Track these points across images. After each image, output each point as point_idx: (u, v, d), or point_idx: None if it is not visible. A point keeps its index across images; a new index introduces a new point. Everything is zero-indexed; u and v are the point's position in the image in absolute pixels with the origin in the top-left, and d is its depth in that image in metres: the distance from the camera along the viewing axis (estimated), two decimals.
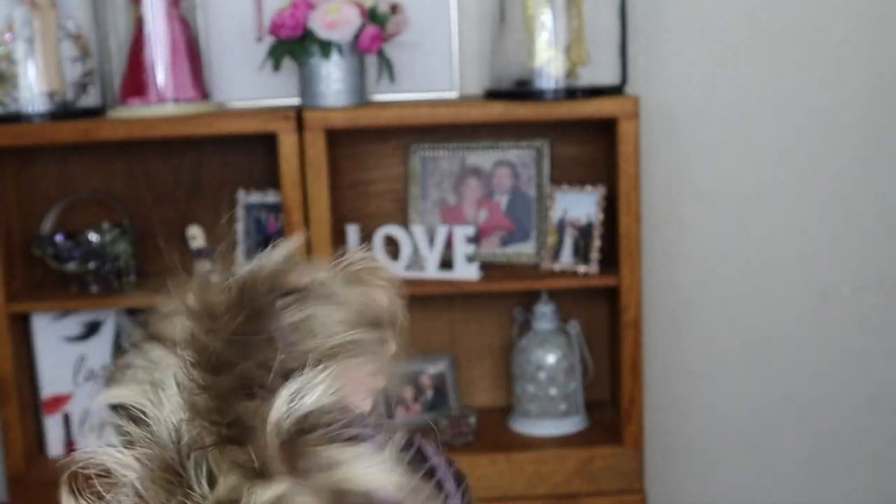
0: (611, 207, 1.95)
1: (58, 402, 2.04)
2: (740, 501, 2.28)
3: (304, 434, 0.50)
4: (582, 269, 1.95)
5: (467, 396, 2.16)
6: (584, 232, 1.96)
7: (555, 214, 1.99)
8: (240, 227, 2.04)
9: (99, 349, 2.06)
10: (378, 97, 2.02)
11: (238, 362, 0.51)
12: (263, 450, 0.48)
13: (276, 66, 1.90)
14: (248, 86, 2.04)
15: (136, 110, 1.90)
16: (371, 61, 1.95)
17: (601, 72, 1.95)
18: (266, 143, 1.94)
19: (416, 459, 0.54)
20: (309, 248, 1.84)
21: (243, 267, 0.57)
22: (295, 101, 2.00)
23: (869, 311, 2.22)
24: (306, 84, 1.91)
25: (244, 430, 0.49)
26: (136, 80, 1.92)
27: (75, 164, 2.07)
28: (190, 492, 0.50)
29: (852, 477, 2.28)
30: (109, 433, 2.09)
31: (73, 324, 2.04)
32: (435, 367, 2.11)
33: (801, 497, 2.28)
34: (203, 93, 1.97)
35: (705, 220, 2.17)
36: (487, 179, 2.07)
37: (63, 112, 1.91)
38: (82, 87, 1.97)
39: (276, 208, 2.01)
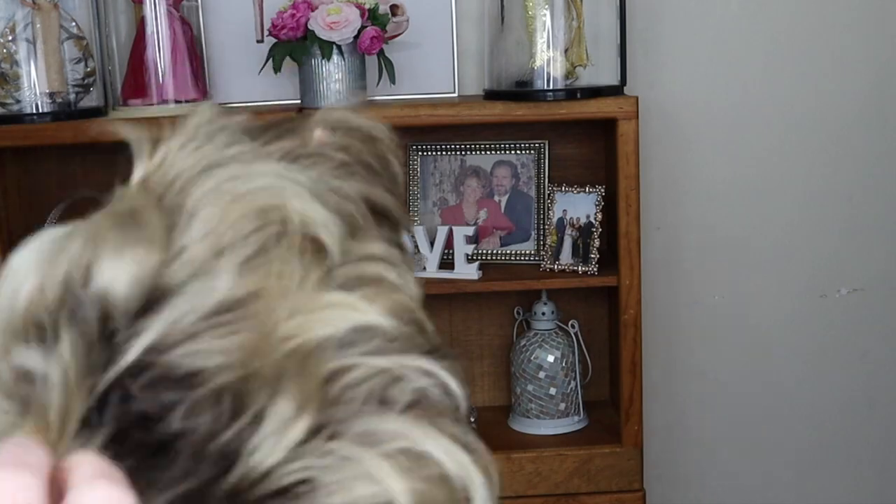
0: (610, 207, 1.95)
1: None
2: (740, 501, 2.29)
3: None
4: (581, 268, 1.95)
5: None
6: (584, 232, 1.97)
7: (554, 214, 2.00)
8: None
9: None
10: (378, 98, 2.02)
11: None
12: None
13: (277, 68, 1.90)
14: (248, 87, 2.05)
15: (137, 111, 1.91)
16: (371, 62, 1.96)
17: (600, 72, 1.96)
18: None
19: None
20: None
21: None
22: (295, 101, 2.00)
23: (869, 311, 2.22)
24: (307, 85, 1.91)
25: None
26: (137, 81, 1.93)
27: (77, 164, 2.08)
28: None
29: (852, 477, 2.28)
30: None
31: None
32: None
33: (801, 497, 2.29)
34: (204, 93, 1.98)
35: (704, 220, 2.18)
36: (487, 179, 2.07)
37: (65, 113, 1.92)
38: (84, 87, 1.97)
39: None
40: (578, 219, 1.98)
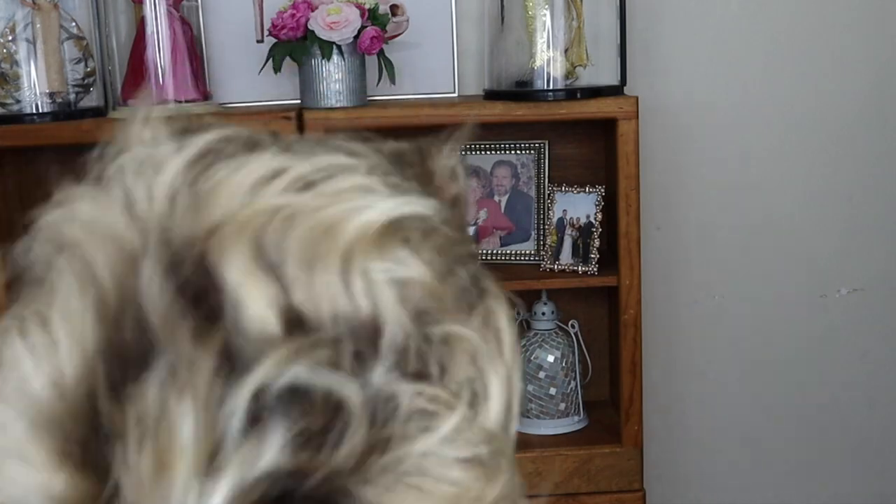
0: (610, 207, 1.95)
1: None
2: (740, 501, 2.29)
3: None
4: (581, 268, 1.95)
5: None
6: (584, 232, 1.97)
7: (554, 214, 2.00)
8: None
9: None
10: (378, 97, 2.02)
11: None
12: None
13: (277, 68, 1.90)
14: (248, 87, 2.05)
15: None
16: (371, 62, 1.96)
17: (600, 72, 1.96)
18: None
19: None
20: None
21: None
22: (296, 101, 2.00)
23: (869, 311, 2.22)
24: (307, 85, 1.91)
25: None
26: (137, 81, 1.93)
27: (77, 164, 2.08)
28: None
29: (852, 477, 2.28)
30: None
31: None
32: None
33: (801, 497, 2.29)
34: (204, 93, 1.98)
35: (704, 220, 2.18)
36: (487, 179, 2.07)
37: (65, 113, 1.92)
38: (84, 87, 1.97)
39: None
40: (578, 219, 1.98)
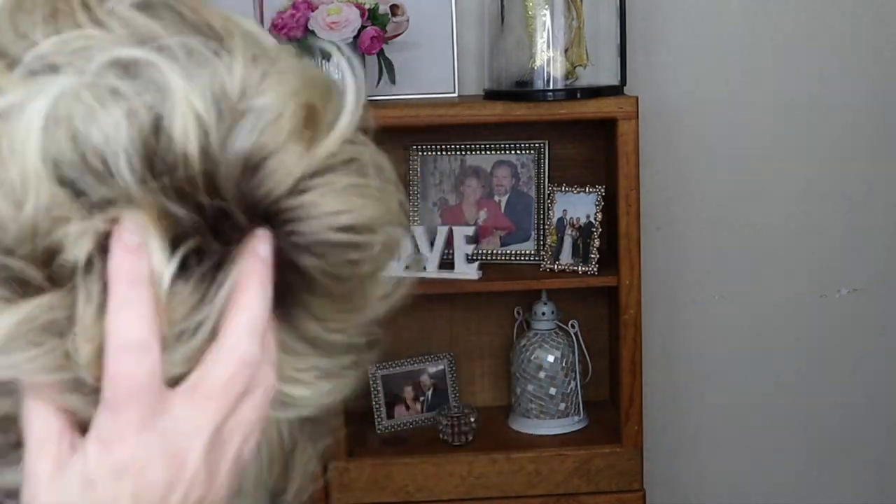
0: (610, 207, 1.95)
1: None
2: (740, 501, 2.29)
3: None
4: (581, 268, 1.95)
5: (467, 396, 2.16)
6: (584, 232, 1.97)
7: (554, 214, 2.00)
8: None
9: None
10: (378, 97, 2.02)
11: None
12: None
13: None
14: None
15: None
16: (371, 62, 1.96)
17: (600, 72, 1.96)
18: None
19: None
20: None
21: None
22: None
23: (869, 311, 2.22)
24: None
25: None
26: None
27: None
28: None
29: (852, 477, 2.28)
30: None
31: None
32: (435, 367, 2.12)
33: (801, 497, 2.29)
34: None
35: (704, 220, 2.18)
36: (487, 179, 2.07)
37: None
38: None
39: None
40: (578, 219, 1.98)
